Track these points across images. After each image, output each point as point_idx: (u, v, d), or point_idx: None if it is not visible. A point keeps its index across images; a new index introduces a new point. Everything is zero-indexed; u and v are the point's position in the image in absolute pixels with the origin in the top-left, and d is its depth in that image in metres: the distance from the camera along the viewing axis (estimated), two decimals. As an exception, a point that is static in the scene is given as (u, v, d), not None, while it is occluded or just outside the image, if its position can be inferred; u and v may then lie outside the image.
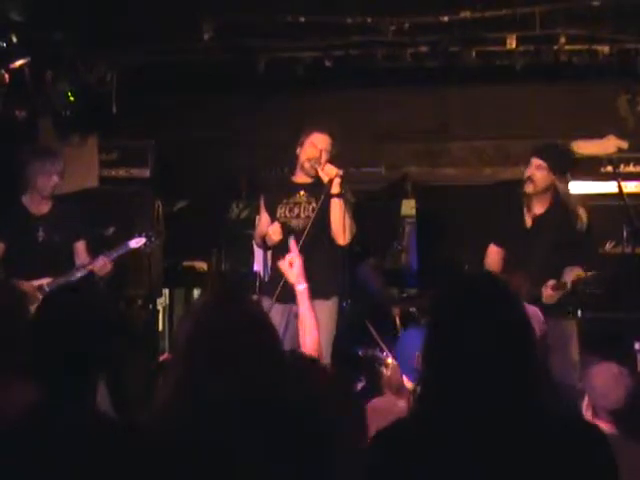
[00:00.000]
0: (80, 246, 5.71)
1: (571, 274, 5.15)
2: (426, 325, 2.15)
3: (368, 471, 2.09)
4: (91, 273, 5.53)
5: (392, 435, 2.11)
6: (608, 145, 6.57)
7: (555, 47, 6.49)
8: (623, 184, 5.97)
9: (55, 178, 5.57)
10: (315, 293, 5.16)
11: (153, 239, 5.73)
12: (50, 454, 2.24)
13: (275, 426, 2.32)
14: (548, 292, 5.14)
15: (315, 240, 5.24)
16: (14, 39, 6.05)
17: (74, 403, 2.36)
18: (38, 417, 2.32)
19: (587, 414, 3.19)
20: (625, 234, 6.30)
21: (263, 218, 5.68)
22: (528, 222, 5.38)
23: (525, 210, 5.39)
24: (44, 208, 5.66)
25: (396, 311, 6.09)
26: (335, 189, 5.29)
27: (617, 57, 6.53)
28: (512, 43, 6.49)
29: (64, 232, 5.65)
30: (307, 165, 5.44)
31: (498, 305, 2.08)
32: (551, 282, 5.14)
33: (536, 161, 5.28)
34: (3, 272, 5.57)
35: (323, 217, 5.33)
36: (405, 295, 7.18)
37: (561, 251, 5.21)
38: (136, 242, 5.66)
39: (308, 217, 5.39)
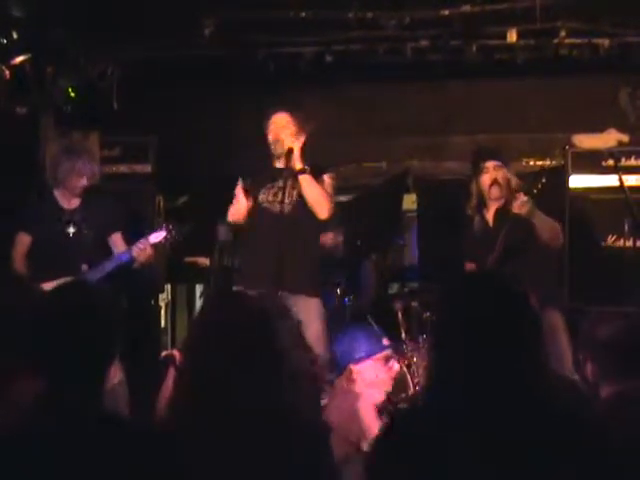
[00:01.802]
0: (117, 238, 5.60)
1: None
2: (435, 320, 2.15)
3: (375, 463, 2.10)
4: (132, 260, 5.43)
5: (398, 429, 2.11)
6: (609, 139, 6.57)
7: (556, 41, 6.50)
8: (624, 177, 5.98)
9: (84, 180, 5.48)
10: (300, 288, 5.08)
11: (174, 232, 5.53)
12: (54, 449, 2.24)
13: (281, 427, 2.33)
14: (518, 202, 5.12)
15: (300, 228, 5.13)
16: (15, 35, 6.05)
17: (79, 398, 2.36)
18: (43, 412, 2.32)
19: None
20: (626, 227, 6.29)
21: (241, 200, 5.28)
22: (490, 220, 5.44)
23: (484, 211, 5.45)
24: (75, 202, 5.57)
25: (398, 306, 6.08)
26: (296, 164, 5.10)
27: (617, 50, 6.54)
28: (513, 37, 6.50)
29: (95, 226, 5.55)
30: (273, 148, 5.25)
31: (505, 300, 2.09)
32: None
33: (491, 163, 5.36)
34: (30, 266, 5.49)
35: (305, 203, 5.17)
36: (407, 290, 7.19)
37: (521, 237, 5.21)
38: (155, 237, 5.47)
39: (293, 203, 5.17)
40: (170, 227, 5.53)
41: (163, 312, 7.49)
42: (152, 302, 7.12)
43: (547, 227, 5.21)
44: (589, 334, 3.10)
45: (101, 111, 6.91)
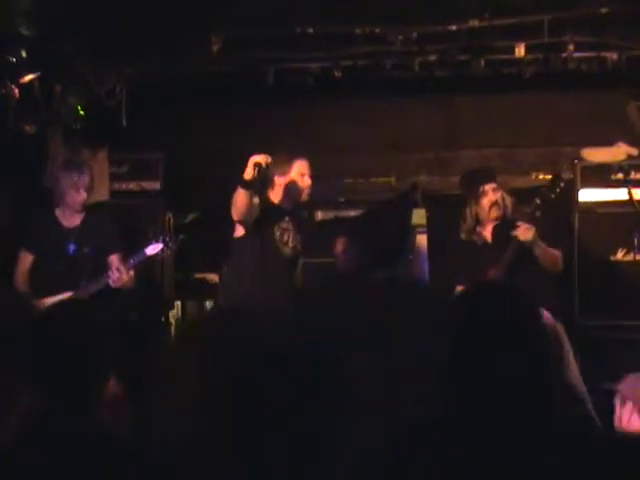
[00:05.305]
0: (114, 259, 5.64)
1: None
2: (450, 336, 2.12)
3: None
4: (107, 286, 5.48)
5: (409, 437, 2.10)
6: (618, 152, 6.56)
7: (564, 55, 6.48)
8: (633, 191, 5.98)
9: (83, 192, 5.58)
10: None
11: (170, 244, 5.65)
12: (48, 462, 2.24)
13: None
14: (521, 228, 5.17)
15: (291, 268, 5.43)
16: (23, 54, 6.08)
17: (73, 413, 2.36)
18: (37, 426, 2.32)
19: (633, 419, 3.25)
20: (636, 241, 6.28)
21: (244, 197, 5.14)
22: (488, 237, 5.52)
23: (480, 230, 5.53)
24: (76, 220, 5.67)
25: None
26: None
27: (626, 64, 6.52)
28: (520, 51, 6.49)
29: (95, 245, 5.64)
30: (288, 190, 5.39)
31: (523, 318, 2.07)
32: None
33: (490, 186, 5.47)
34: (32, 284, 5.60)
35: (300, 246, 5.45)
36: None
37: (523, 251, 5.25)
38: (152, 249, 5.54)
39: (295, 247, 5.42)
40: (167, 239, 5.63)
41: (173, 328, 7.48)
42: (162, 319, 7.12)
43: (548, 256, 5.25)
44: None
45: (110, 128, 6.93)
